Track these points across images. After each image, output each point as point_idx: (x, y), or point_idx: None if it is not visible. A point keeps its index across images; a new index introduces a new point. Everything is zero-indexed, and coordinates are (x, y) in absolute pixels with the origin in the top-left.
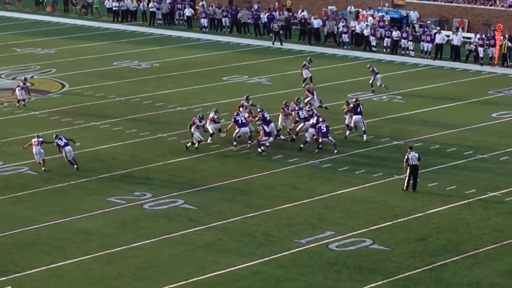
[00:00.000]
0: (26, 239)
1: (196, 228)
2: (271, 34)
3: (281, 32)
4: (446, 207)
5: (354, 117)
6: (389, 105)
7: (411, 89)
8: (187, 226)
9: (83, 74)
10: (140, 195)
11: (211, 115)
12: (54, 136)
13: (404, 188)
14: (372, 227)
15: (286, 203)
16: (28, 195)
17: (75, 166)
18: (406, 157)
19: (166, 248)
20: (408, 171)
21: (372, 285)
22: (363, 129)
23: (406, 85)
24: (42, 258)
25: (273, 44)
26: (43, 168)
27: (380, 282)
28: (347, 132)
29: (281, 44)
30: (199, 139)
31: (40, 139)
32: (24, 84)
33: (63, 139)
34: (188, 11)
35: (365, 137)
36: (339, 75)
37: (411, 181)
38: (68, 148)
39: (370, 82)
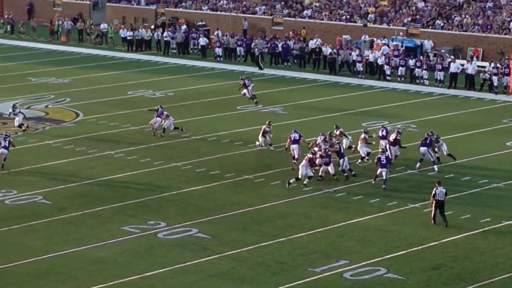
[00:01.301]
0: (39, 268)
1: (210, 257)
2: (285, 64)
3: (260, 57)
4: (461, 235)
5: (421, 148)
6: (404, 133)
7: (426, 118)
8: (201, 255)
9: (97, 103)
10: (154, 224)
11: (264, 127)
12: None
13: (433, 222)
14: (387, 256)
15: (300, 232)
16: (42, 224)
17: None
18: (433, 192)
19: (180, 277)
20: (434, 205)
21: None
22: (432, 160)
23: (420, 114)
24: (56, 287)
25: (261, 69)
26: None
27: None
28: (417, 164)
29: (261, 69)
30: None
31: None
32: (14, 111)
33: (5, 142)
34: (202, 41)
35: (436, 167)
36: (354, 104)
37: (437, 214)
38: (4, 150)
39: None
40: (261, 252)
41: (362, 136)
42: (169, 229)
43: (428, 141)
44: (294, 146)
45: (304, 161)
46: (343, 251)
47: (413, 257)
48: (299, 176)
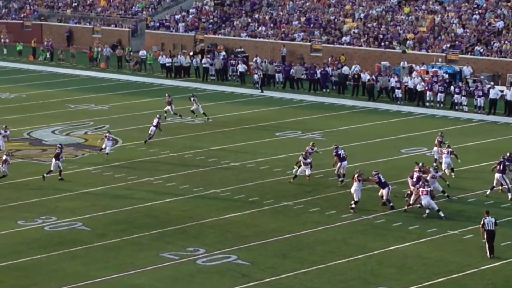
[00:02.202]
0: None
1: (249, 284)
2: (323, 90)
3: (259, 81)
4: (501, 262)
5: (497, 175)
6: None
7: (465, 144)
8: (240, 282)
9: (136, 130)
10: (193, 251)
11: (307, 148)
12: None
13: (488, 256)
14: (426, 283)
15: (339, 258)
16: (82, 251)
17: None
18: (482, 222)
19: None
20: (485, 236)
21: None
22: (507, 187)
23: (460, 141)
24: None
25: (262, 91)
26: None
27: None
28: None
29: (262, 91)
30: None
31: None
32: (5, 132)
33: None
34: (241, 67)
35: (509, 195)
36: (393, 131)
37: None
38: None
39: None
40: (300, 279)
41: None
42: (208, 256)
43: (502, 167)
44: (344, 164)
45: (356, 183)
46: (382, 278)
47: (452, 284)
48: (356, 199)
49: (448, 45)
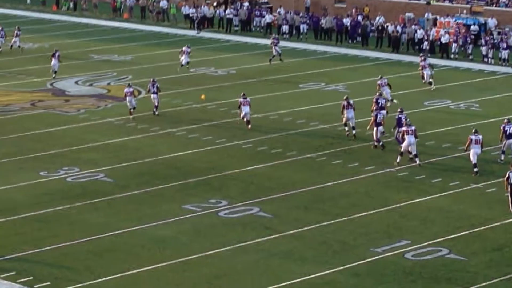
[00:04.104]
0: (101, 246)
1: (272, 236)
2: (349, 41)
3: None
4: None
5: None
6: (466, 113)
7: (489, 97)
8: (263, 234)
9: (160, 81)
10: (216, 203)
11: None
12: None
13: (511, 210)
14: (449, 237)
15: (362, 211)
16: (104, 202)
17: None
18: (507, 175)
19: (241, 256)
20: (509, 189)
21: None
22: None
23: (483, 93)
24: (117, 265)
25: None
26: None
27: None
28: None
29: (198, 33)
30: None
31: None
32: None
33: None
34: (268, 18)
35: None
36: (417, 83)
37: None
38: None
39: None
40: (323, 231)
41: None
42: (230, 208)
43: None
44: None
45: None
46: (405, 231)
47: (475, 238)
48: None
49: None
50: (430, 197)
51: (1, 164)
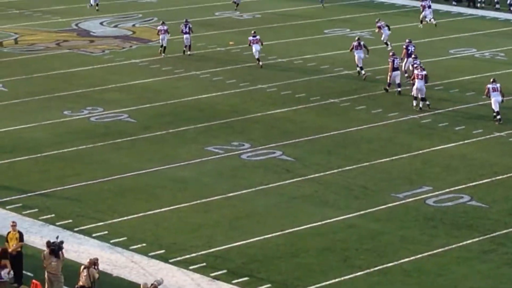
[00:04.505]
0: (123, 185)
1: (293, 180)
2: None
3: None
4: None
5: None
6: (492, 62)
7: None
8: (284, 177)
9: (180, 29)
10: (238, 145)
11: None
12: None
13: None
14: (471, 184)
15: (384, 157)
16: (127, 142)
17: None
18: None
19: (262, 198)
20: None
21: (468, 241)
22: None
23: (509, 42)
24: (139, 205)
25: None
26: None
27: (477, 239)
28: None
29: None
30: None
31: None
32: None
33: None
34: None
35: None
36: (442, 31)
37: None
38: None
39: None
40: (345, 176)
41: None
42: (253, 151)
43: None
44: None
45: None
46: (426, 178)
47: (497, 185)
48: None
49: None
50: (453, 144)
51: (25, 103)
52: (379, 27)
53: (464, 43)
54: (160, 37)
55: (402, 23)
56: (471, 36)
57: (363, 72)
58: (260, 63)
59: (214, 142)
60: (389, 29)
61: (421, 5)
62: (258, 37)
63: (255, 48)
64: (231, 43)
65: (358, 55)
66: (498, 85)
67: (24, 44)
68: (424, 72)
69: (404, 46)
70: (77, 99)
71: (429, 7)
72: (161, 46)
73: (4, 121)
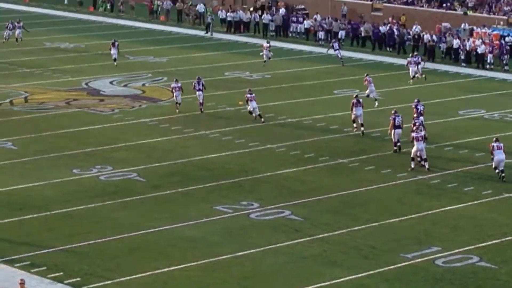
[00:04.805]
0: (132, 244)
1: (302, 239)
2: (388, 49)
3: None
4: None
5: None
6: (501, 123)
7: None
8: (293, 237)
9: (193, 85)
10: (247, 205)
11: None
12: None
13: None
14: (480, 245)
15: (393, 217)
16: (136, 201)
17: None
18: None
19: (271, 258)
20: None
21: None
22: None
23: None
24: (148, 263)
25: (208, 33)
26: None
27: None
28: None
29: (206, 34)
30: None
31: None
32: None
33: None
34: (307, 23)
35: None
36: (451, 92)
37: None
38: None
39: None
40: (353, 236)
41: None
42: (261, 210)
43: None
44: (398, 131)
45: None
46: (435, 238)
47: (507, 246)
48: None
49: (510, 8)
50: (462, 205)
51: (35, 161)
52: (366, 81)
53: (473, 104)
54: (174, 94)
55: (408, 84)
56: (480, 97)
57: (362, 128)
58: (262, 119)
59: (223, 201)
60: (374, 85)
61: (408, 61)
62: (254, 94)
63: (252, 105)
64: (240, 103)
65: (358, 112)
66: (501, 144)
67: (34, 103)
68: (423, 133)
69: (413, 106)
70: (87, 157)
71: (419, 63)
72: (176, 102)
73: (14, 179)
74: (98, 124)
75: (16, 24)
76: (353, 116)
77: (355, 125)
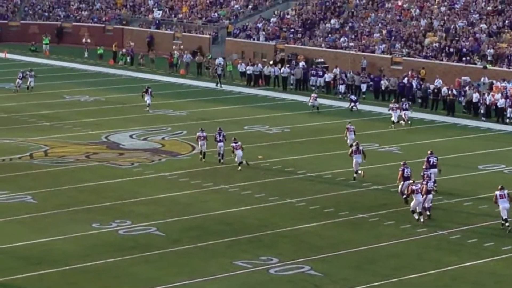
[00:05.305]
0: None
1: None
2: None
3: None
4: None
5: None
6: None
7: None
8: None
9: (214, 137)
10: (267, 260)
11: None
12: None
13: None
14: None
15: (412, 273)
16: (155, 256)
17: None
18: None
19: None
20: None
21: None
22: None
23: None
24: None
25: (218, 86)
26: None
27: None
28: None
29: (220, 86)
30: None
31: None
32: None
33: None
34: (327, 76)
35: None
36: (471, 146)
37: None
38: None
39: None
40: None
41: None
42: (281, 265)
43: None
44: (406, 183)
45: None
46: None
47: None
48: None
49: None
50: (482, 260)
51: (54, 215)
52: (347, 129)
53: (493, 159)
54: (199, 143)
55: (429, 138)
56: (500, 152)
57: (357, 174)
58: (249, 163)
59: (242, 256)
60: (354, 134)
61: (390, 107)
62: (239, 143)
63: (238, 154)
64: (260, 157)
65: (356, 159)
66: (505, 191)
67: (53, 156)
68: (419, 186)
69: (426, 158)
70: (106, 211)
71: (406, 110)
72: (201, 152)
73: (33, 233)
74: (117, 178)
75: (27, 73)
76: (354, 164)
77: (355, 175)
